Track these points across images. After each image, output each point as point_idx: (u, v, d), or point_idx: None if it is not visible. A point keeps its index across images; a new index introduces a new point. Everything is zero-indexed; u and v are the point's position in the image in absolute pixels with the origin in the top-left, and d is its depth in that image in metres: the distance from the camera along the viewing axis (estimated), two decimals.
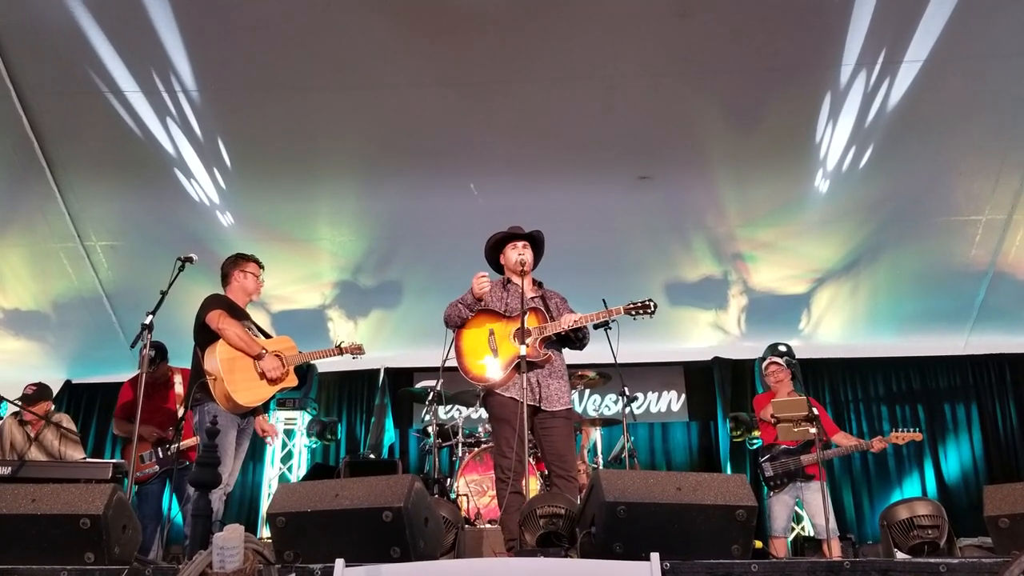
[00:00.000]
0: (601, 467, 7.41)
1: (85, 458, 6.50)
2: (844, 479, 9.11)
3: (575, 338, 5.03)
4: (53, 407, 6.60)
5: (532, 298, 5.03)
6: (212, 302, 5.25)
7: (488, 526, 6.28)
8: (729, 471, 8.92)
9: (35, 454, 6.25)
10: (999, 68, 6.85)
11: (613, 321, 6.06)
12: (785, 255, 8.67)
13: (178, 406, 6.52)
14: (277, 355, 5.24)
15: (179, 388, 6.59)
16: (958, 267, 8.61)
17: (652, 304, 4.97)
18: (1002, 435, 9.26)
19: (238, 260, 5.57)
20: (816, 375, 9.45)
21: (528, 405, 4.62)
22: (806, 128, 7.40)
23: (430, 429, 7.23)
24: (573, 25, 6.48)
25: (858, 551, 7.62)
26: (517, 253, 5.07)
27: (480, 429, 7.30)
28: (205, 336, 5.15)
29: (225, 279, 5.54)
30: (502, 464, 4.73)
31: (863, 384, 9.57)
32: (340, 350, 5.64)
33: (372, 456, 8.77)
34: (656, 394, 9.72)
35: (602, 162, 7.71)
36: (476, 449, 7.00)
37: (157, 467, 6.38)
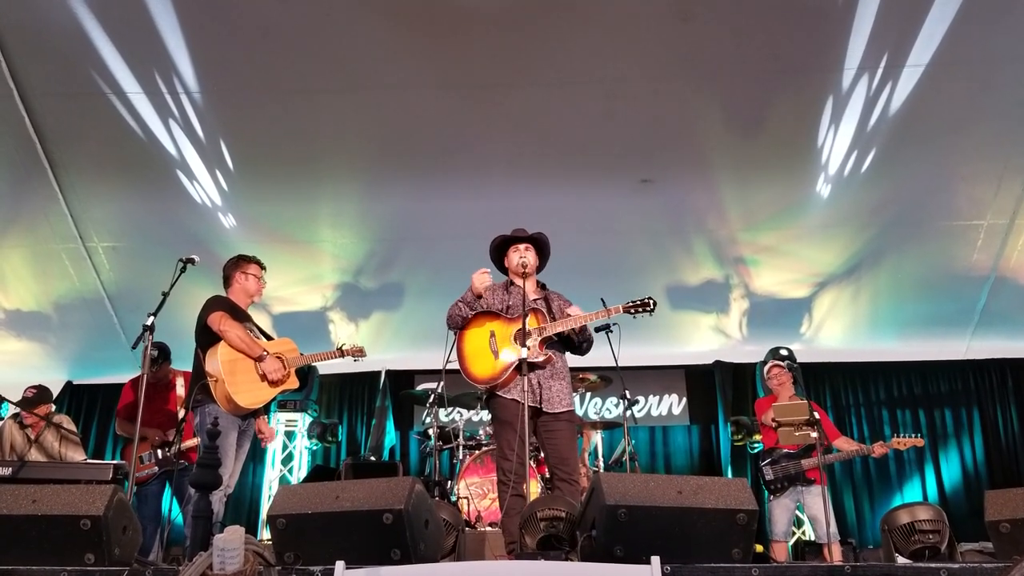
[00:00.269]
0: (602, 470, 7.40)
1: (86, 459, 6.50)
2: (845, 483, 9.10)
3: (576, 341, 5.02)
4: (53, 408, 6.60)
5: (535, 300, 5.02)
6: (214, 304, 5.25)
7: (489, 529, 6.28)
8: (730, 475, 8.92)
9: (35, 455, 6.25)
10: (1001, 73, 6.85)
11: (614, 324, 6.09)
12: (787, 259, 8.66)
13: (179, 407, 6.53)
14: (278, 357, 5.24)
15: (180, 390, 6.60)
16: (960, 272, 8.61)
17: (652, 302, 4.96)
18: (1003, 440, 9.25)
19: (239, 262, 5.57)
20: (817, 379, 9.43)
21: (530, 407, 4.61)
22: (808, 132, 7.40)
23: (431, 431, 7.23)
24: (575, 28, 6.48)
25: (859, 556, 7.61)
26: (519, 256, 5.07)
27: (481, 432, 7.31)
28: (206, 338, 5.15)
29: (226, 281, 5.54)
30: (504, 466, 4.72)
31: (864, 388, 9.56)
32: (341, 352, 5.64)
33: (373, 458, 8.76)
34: (657, 397, 9.71)
35: (603, 165, 7.71)
36: (477, 452, 7.00)
37: (156, 468, 6.39)
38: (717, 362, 9.59)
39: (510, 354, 4.82)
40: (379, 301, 9.20)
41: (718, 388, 9.51)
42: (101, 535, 3.11)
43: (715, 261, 8.73)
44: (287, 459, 9.43)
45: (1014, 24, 6.41)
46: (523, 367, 4.66)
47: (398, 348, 9.51)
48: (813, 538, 7.28)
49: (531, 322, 4.85)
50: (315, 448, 9.41)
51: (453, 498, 6.72)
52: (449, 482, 6.98)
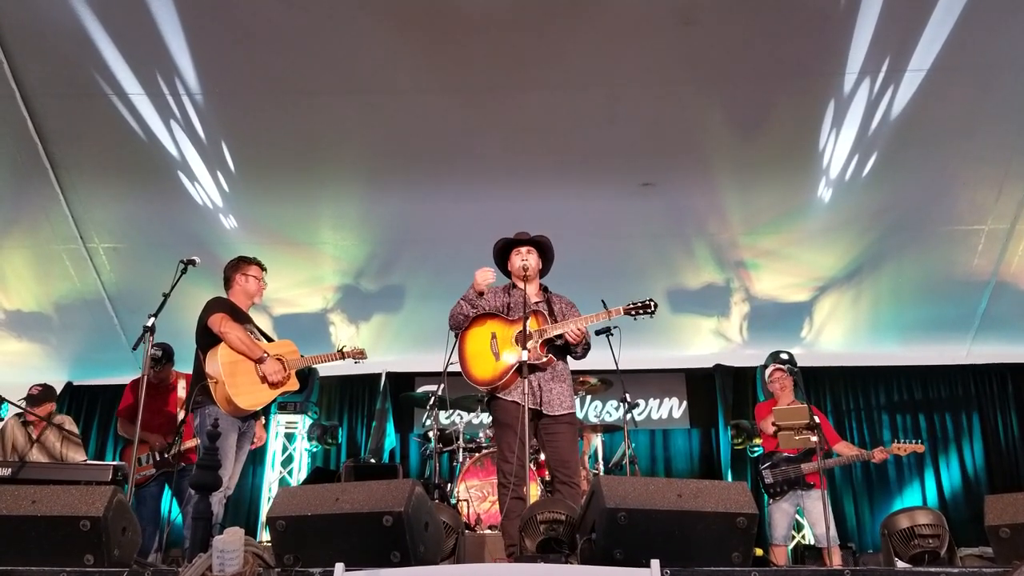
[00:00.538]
0: (602, 473, 7.40)
1: (86, 460, 6.51)
2: (845, 487, 9.10)
3: (573, 350, 5.00)
4: (54, 408, 6.62)
5: (536, 302, 5.02)
6: (214, 305, 5.26)
7: (488, 531, 6.28)
8: (730, 478, 8.91)
9: (36, 455, 6.27)
10: (1003, 78, 6.86)
11: (615, 327, 6.09)
12: (787, 263, 8.67)
13: (179, 409, 6.53)
14: (279, 359, 5.24)
15: (181, 392, 6.62)
16: (960, 277, 8.61)
17: (652, 303, 4.96)
18: (1003, 445, 9.25)
19: (240, 263, 5.57)
20: (818, 383, 9.43)
21: (530, 409, 4.61)
22: (809, 136, 7.40)
23: (431, 434, 7.22)
24: (578, 32, 6.49)
25: (859, 560, 7.60)
26: (521, 259, 5.09)
27: (481, 434, 7.31)
28: (207, 339, 5.16)
29: (227, 282, 5.54)
30: (504, 469, 4.73)
31: (864, 393, 9.56)
32: (342, 354, 5.63)
33: (373, 460, 8.75)
34: (657, 401, 9.71)
35: (605, 168, 7.71)
36: (477, 454, 7.00)
37: (153, 469, 6.39)
38: (717, 366, 9.58)
39: (511, 356, 4.82)
40: (380, 303, 9.20)
41: (718, 392, 9.51)
42: (100, 536, 3.12)
43: (716, 265, 8.73)
44: (287, 461, 9.43)
45: (1016, 29, 6.42)
46: (524, 369, 4.66)
47: (399, 350, 9.51)
48: (813, 542, 7.26)
49: (532, 324, 4.85)
50: (315, 450, 9.41)
51: (453, 501, 6.72)
52: (449, 485, 6.97)
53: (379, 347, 9.21)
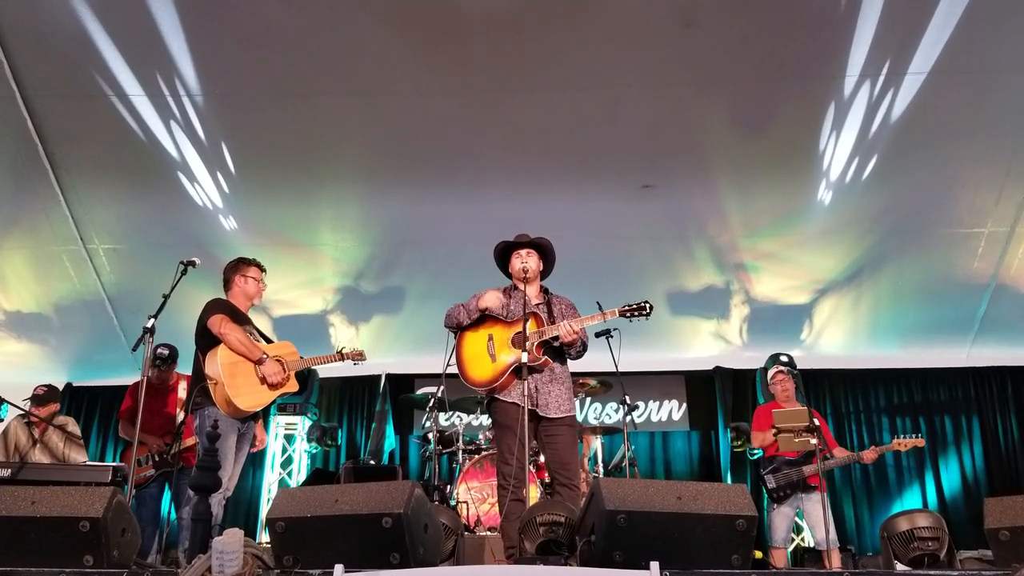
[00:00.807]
0: (602, 475, 7.40)
1: (87, 461, 6.52)
2: (845, 490, 9.09)
3: (566, 351, 4.99)
4: (58, 408, 6.64)
5: (536, 304, 5.02)
6: (213, 306, 5.26)
7: (488, 533, 6.28)
8: (730, 481, 8.91)
9: (39, 456, 6.28)
10: (1003, 81, 6.86)
11: (615, 329, 6.09)
12: (787, 265, 8.67)
13: (178, 410, 6.54)
14: (278, 360, 5.24)
15: (182, 393, 6.62)
16: (960, 279, 8.61)
17: (648, 305, 4.91)
18: (1003, 447, 9.25)
19: (239, 264, 5.57)
20: (817, 386, 9.44)
21: (529, 411, 4.61)
22: (809, 139, 7.40)
23: (431, 435, 7.22)
24: (578, 34, 6.49)
25: (858, 562, 7.60)
26: (520, 261, 5.08)
27: (480, 436, 7.31)
28: (206, 340, 5.16)
29: (226, 283, 5.54)
30: (503, 470, 4.72)
31: (864, 395, 9.56)
32: (341, 355, 5.63)
33: (372, 462, 8.74)
34: (657, 403, 9.71)
35: (605, 170, 7.71)
36: (476, 456, 7.00)
37: (153, 470, 6.39)
38: (717, 368, 9.58)
39: (507, 357, 4.82)
40: (380, 305, 9.20)
41: (718, 394, 9.51)
42: (100, 537, 3.12)
43: (716, 267, 8.73)
44: (286, 462, 9.43)
45: (1016, 32, 6.42)
46: (523, 371, 4.65)
47: (398, 352, 9.51)
48: (812, 545, 7.27)
49: (530, 326, 4.84)
50: (314, 451, 9.40)
51: (452, 502, 6.72)
52: (449, 486, 6.97)
53: (379, 349, 9.21)
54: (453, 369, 5.07)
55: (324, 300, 9.15)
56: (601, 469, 7.61)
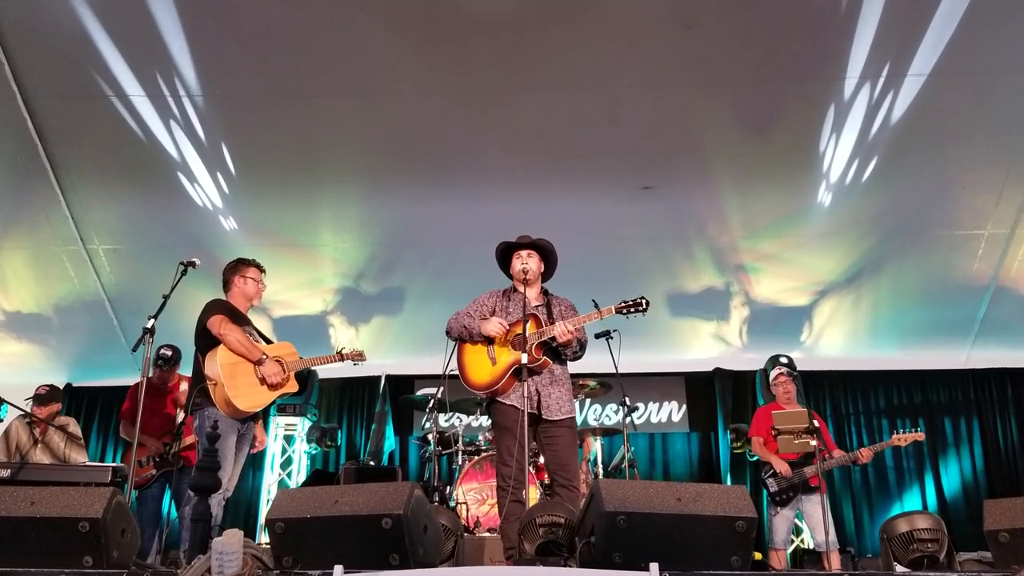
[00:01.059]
0: (601, 477, 7.39)
1: (87, 462, 6.52)
2: (844, 492, 9.09)
3: (563, 352, 4.97)
4: (59, 408, 6.65)
5: (536, 306, 5.01)
6: (213, 307, 5.25)
7: (488, 534, 6.27)
8: (729, 482, 8.91)
9: (40, 456, 6.29)
10: (1003, 82, 6.86)
11: (615, 331, 6.08)
12: (787, 267, 8.67)
13: (178, 411, 6.54)
14: (278, 360, 5.24)
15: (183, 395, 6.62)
16: (960, 281, 8.61)
17: (644, 302, 4.87)
18: (1003, 449, 9.25)
19: (239, 265, 5.56)
20: (817, 387, 9.43)
21: (529, 413, 4.60)
22: (810, 140, 7.41)
23: (430, 437, 7.22)
24: (578, 35, 6.49)
25: (858, 564, 7.61)
26: (521, 262, 5.06)
27: (480, 437, 7.31)
28: (206, 341, 5.15)
29: (226, 284, 5.53)
30: (503, 472, 4.71)
31: (864, 397, 9.56)
32: (341, 356, 5.62)
33: (372, 463, 8.74)
34: (657, 404, 9.71)
35: (606, 171, 7.72)
36: (476, 457, 7.00)
37: (154, 471, 6.40)
38: (717, 369, 9.58)
39: (507, 359, 4.81)
40: (380, 306, 9.20)
41: (718, 395, 9.51)
42: (99, 537, 3.11)
43: (716, 268, 8.73)
44: (286, 463, 9.42)
45: (1016, 34, 6.42)
46: (523, 372, 4.64)
47: (398, 353, 9.50)
48: (812, 546, 7.26)
49: (529, 328, 4.83)
50: (314, 452, 9.40)
51: (452, 503, 6.72)
52: (448, 487, 6.97)
53: (379, 349, 9.21)
54: (453, 370, 5.07)
55: (324, 301, 9.15)
56: (601, 470, 7.61)
